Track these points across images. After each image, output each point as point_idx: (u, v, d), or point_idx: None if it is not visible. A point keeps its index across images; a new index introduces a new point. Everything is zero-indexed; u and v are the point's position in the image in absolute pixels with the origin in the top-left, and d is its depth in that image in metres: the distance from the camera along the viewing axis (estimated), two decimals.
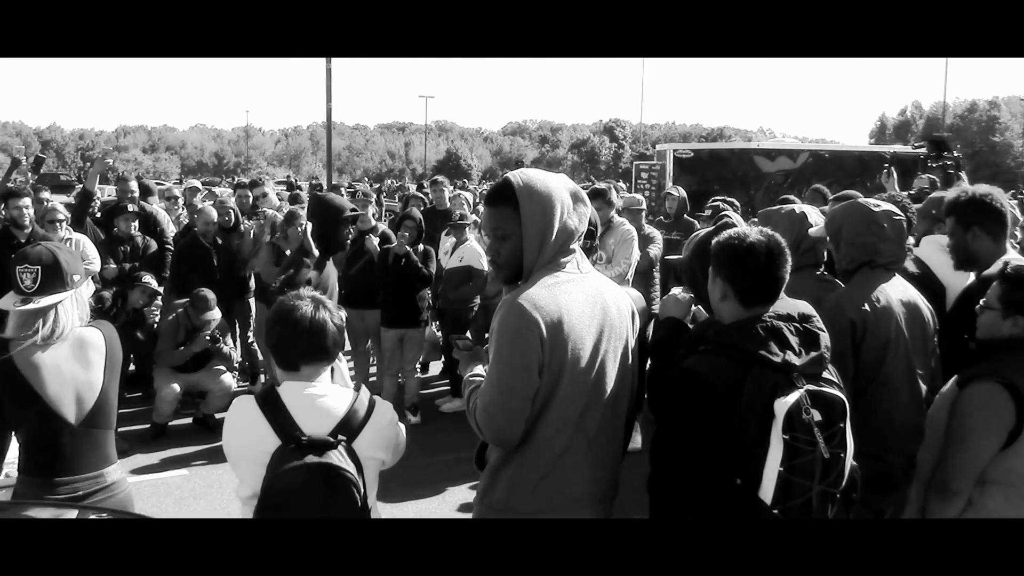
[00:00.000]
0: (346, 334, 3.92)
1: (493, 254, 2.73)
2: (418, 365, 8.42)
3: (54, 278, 3.08)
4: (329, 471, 2.56)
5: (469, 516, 3.01)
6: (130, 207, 8.60)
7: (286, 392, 2.72)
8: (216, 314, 7.68)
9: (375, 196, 19.42)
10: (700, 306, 3.08)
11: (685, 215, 9.22)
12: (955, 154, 8.48)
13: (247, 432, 2.67)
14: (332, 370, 2.89)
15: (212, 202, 10.04)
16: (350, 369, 7.40)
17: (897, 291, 3.43)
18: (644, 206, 8.36)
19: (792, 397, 2.37)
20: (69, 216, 7.87)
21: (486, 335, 8.34)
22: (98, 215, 8.93)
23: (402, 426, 2.98)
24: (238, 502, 2.78)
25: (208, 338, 7.61)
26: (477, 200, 12.98)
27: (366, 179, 64.80)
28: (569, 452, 2.64)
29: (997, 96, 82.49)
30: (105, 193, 15.38)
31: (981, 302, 3.15)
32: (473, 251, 8.19)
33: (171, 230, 9.30)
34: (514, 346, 2.51)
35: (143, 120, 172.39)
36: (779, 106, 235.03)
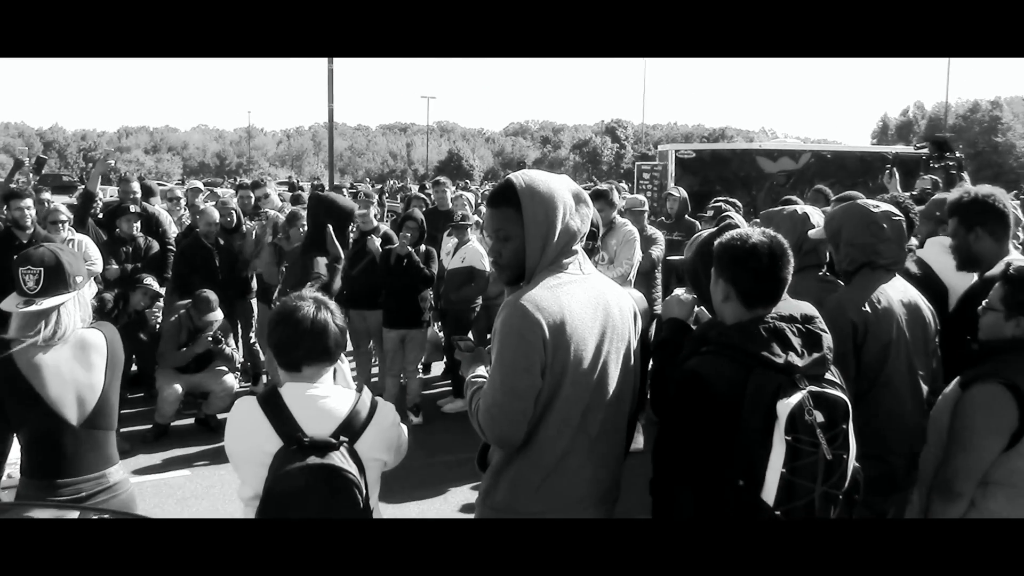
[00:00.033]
0: (348, 335, 3.92)
1: (495, 255, 2.73)
2: (420, 366, 8.43)
3: (57, 280, 3.09)
4: (331, 472, 2.56)
5: (471, 517, 3.01)
6: (132, 208, 8.60)
7: (288, 393, 2.72)
8: (218, 315, 7.69)
9: (377, 197, 19.44)
10: (703, 307, 3.08)
11: (686, 216, 9.22)
12: (957, 155, 8.48)
13: (249, 433, 2.67)
14: (335, 371, 2.89)
15: (214, 203, 10.04)
16: (352, 370, 7.41)
17: (898, 292, 3.42)
18: (646, 207, 8.36)
19: (795, 398, 2.37)
20: (71, 217, 7.88)
21: (488, 336, 8.33)
22: (100, 216, 8.93)
23: (404, 427, 2.98)
24: (240, 503, 2.78)
25: (210, 339, 7.62)
26: (479, 201, 12.98)
27: (368, 180, 64.82)
28: (571, 453, 2.64)
29: (999, 96, 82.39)
30: (107, 194, 15.39)
31: (983, 303, 3.15)
32: (475, 252, 8.19)
33: (173, 231, 9.29)
34: (517, 347, 2.51)
35: (145, 121, 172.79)
36: (781, 106, 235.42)
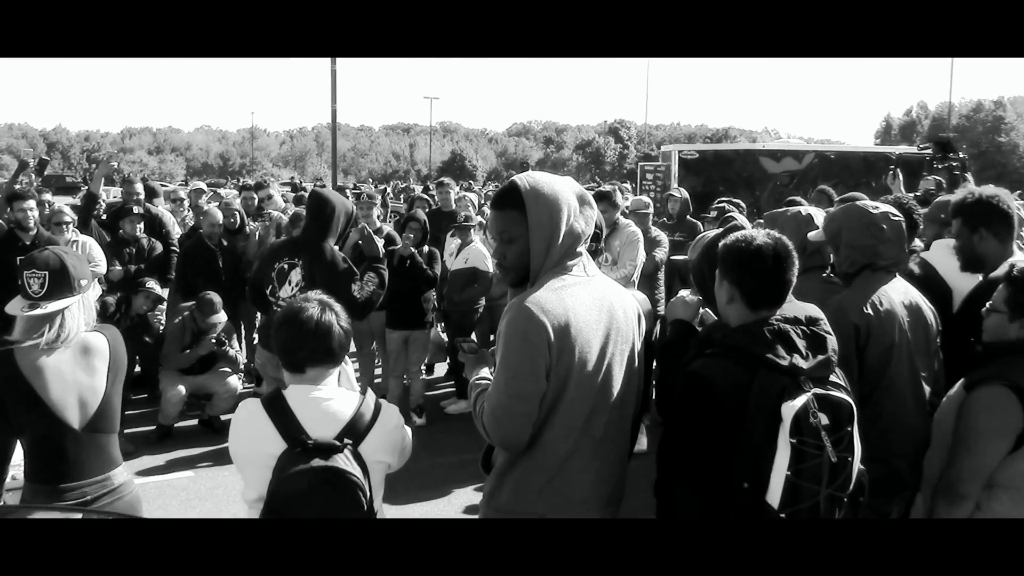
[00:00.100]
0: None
1: (500, 257, 2.74)
2: (423, 367, 8.42)
3: (62, 283, 3.09)
4: (335, 475, 2.55)
5: (475, 518, 3.01)
6: (135, 209, 8.61)
7: (292, 396, 2.72)
8: (222, 317, 7.69)
9: (380, 198, 19.45)
10: (708, 309, 3.08)
11: (688, 216, 9.22)
12: (960, 155, 8.49)
13: (253, 436, 2.67)
14: (339, 373, 2.89)
15: (217, 204, 10.05)
16: (355, 371, 7.42)
17: (899, 293, 3.41)
18: (651, 209, 8.35)
19: (799, 401, 2.37)
20: (75, 218, 7.88)
21: (491, 337, 8.30)
22: (103, 217, 8.94)
23: (408, 429, 2.98)
24: (244, 505, 2.78)
25: (214, 341, 7.62)
26: (482, 202, 12.98)
27: (371, 180, 64.83)
28: (575, 455, 2.64)
29: (1003, 96, 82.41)
30: (110, 195, 15.42)
31: (987, 305, 3.14)
32: (478, 253, 8.18)
33: (176, 232, 9.30)
34: (522, 350, 2.51)
35: (148, 122, 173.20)
36: (784, 106, 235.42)
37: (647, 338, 2.89)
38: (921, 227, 4.75)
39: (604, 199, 6.87)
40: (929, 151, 9.36)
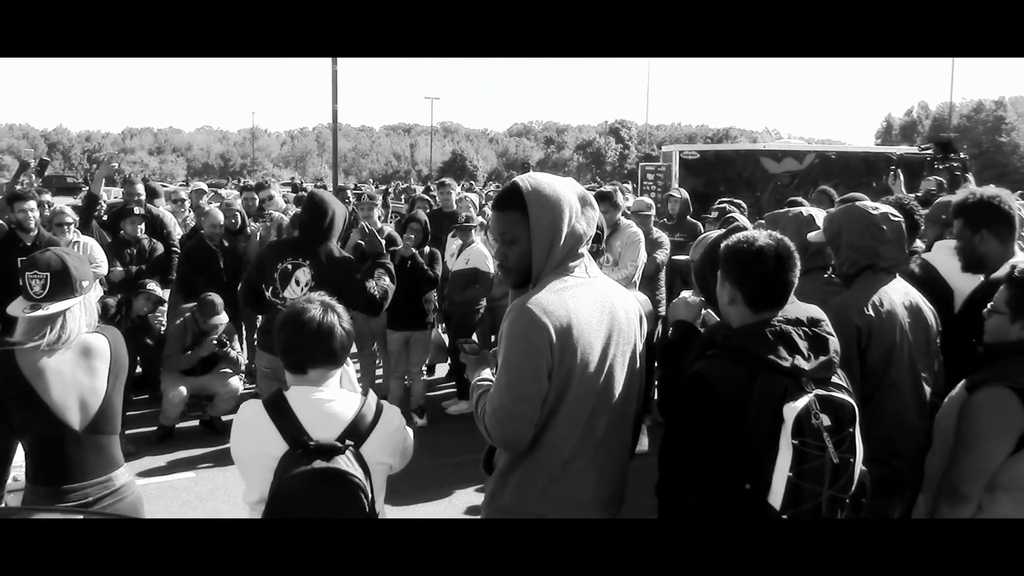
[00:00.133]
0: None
1: (501, 258, 2.74)
2: (424, 367, 8.42)
3: (63, 284, 3.09)
4: (337, 476, 2.55)
5: (477, 518, 3.01)
6: (136, 209, 8.60)
7: (294, 397, 2.72)
8: (223, 318, 7.70)
9: (382, 198, 19.43)
10: (710, 310, 3.08)
11: (688, 217, 9.21)
12: (961, 156, 8.49)
13: (255, 437, 2.67)
14: (341, 374, 2.89)
15: (218, 204, 10.05)
16: (356, 372, 7.41)
17: (900, 294, 3.41)
18: (653, 211, 8.35)
19: (801, 402, 2.37)
20: (77, 219, 7.88)
21: (492, 337, 8.30)
22: (104, 218, 8.94)
23: (410, 431, 2.98)
24: (245, 505, 2.78)
25: (215, 342, 7.62)
26: (483, 202, 12.97)
27: (371, 181, 64.86)
28: (577, 456, 2.64)
29: (1004, 96, 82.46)
30: (111, 195, 15.41)
31: (988, 306, 3.14)
32: (479, 253, 8.18)
33: (177, 233, 9.30)
34: (524, 351, 2.51)
35: (149, 122, 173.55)
36: (785, 107, 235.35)
37: (648, 339, 2.89)
38: (922, 228, 4.75)
39: (605, 200, 6.86)
40: (930, 151, 9.35)
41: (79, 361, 3.13)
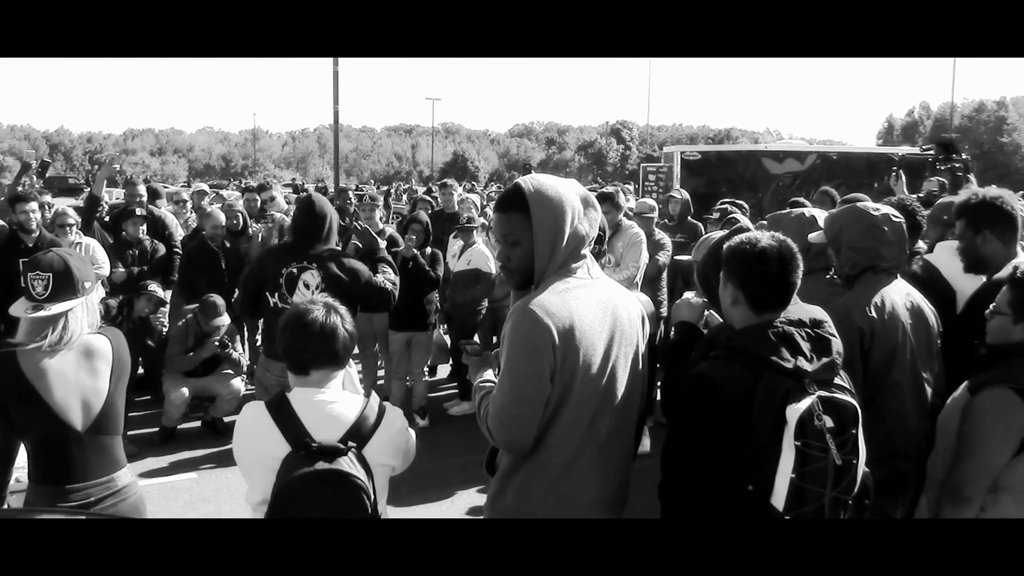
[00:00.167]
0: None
1: (504, 260, 2.73)
2: (426, 368, 8.42)
3: (65, 285, 3.09)
4: (339, 478, 2.56)
5: (479, 519, 3.01)
6: (138, 211, 8.62)
7: (296, 399, 2.72)
8: (225, 320, 7.70)
9: (383, 199, 19.45)
10: (713, 311, 3.08)
11: (689, 217, 9.21)
12: (963, 156, 8.47)
13: (257, 439, 2.67)
14: (343, 376, 2.89)
15: (220, 205, 10.06)
16: (358, 373, 7.41)
17: (901, 295, 3.41)
18: (656, 213, 8.33)
19: (804, 403, 2.37)
20: (79, 220, 7.89)
21: (494, 338, 8.29)
22: (106, 219, 8.94)
23: (412, 432, 2.98)
24: (247, 507, 2.78)
25: (217, 344, 7.63)
26: (484, 203, 12.98)
27: (372, 181, 64.92)
28: (580, 458, 2.64)
29: (1005, 96, 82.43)
30: (113, 197, 15.43)
31: (991, 307, 3.14)
32: (481, 254, 8.18)
33: (179, 234, 9.31)
34: (527, 353, 2.51)
35: (151, 123, 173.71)
36: (786, 107, 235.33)
37: (651, 340, 2.89)
38: (925, 229, 4.74)
39: (607, 200, 6.85)
40: (932, 152, 9.32)
41: (81, 362, 3.13)
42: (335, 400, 2.74)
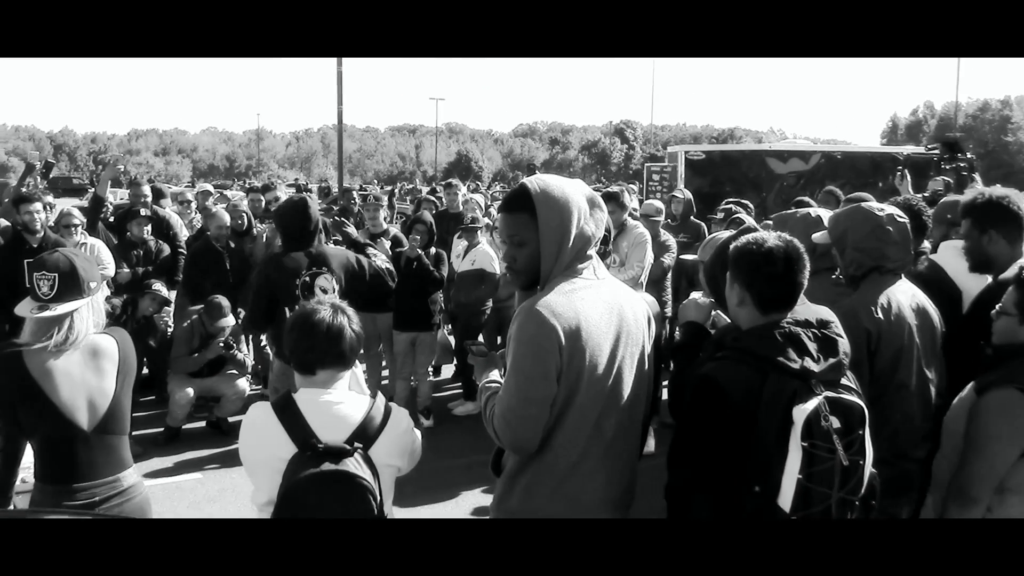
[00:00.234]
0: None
1: (510, 260, 2.73)
2: (430, 368, 8.43)
3: (71, 285, 3.09)
4: (345, 478, 2.56)
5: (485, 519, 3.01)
6: (142, 211, 8.63)
7: (302, 399, 2.72)
8: (230, 320, 7.71)
9: (387, 199, 19.45)
10: (720, 311, 3.07)
11: (692, 217, 9.20)
12: (968, 156, 8.45)
13: (264, 439, 2.68)
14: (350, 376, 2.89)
15: (224, 206, 10.07)
16: (364, 373, 7.42)
17: (907, 296, 3.40)
18: (662, 216, 8.30)
19: (811, 404, 2.36)
20: (84, 220, 7.90)
21: (498, 338, 8.28)
22: (111, 219, 8.96)
23: (418, 432, 2.98)
24: (253, 507, 2.78)
25: (222, 345, 7.63)
26: (488, 203, 12.97)
27: (376, 181, 64.98)
28: (586, 458, 2.64)
29: (1009, 95, 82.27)
30: (117, 197, 15.45)
31: (997, 307, 3.13)
32: (485, 254, 8.18)
33: (184, 234, 9.33)
34: (533, 354, 2.51)
35: (155, 123, 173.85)
36: (790, 107, 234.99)
37: (656, 341, 2.89)
38: (930, 228, 4.73)
39: (612, 200, 6.83)
40: (937, 151, 9.30)
41: (87, 362, 3.14)
42: (341, 401, 2.74)
